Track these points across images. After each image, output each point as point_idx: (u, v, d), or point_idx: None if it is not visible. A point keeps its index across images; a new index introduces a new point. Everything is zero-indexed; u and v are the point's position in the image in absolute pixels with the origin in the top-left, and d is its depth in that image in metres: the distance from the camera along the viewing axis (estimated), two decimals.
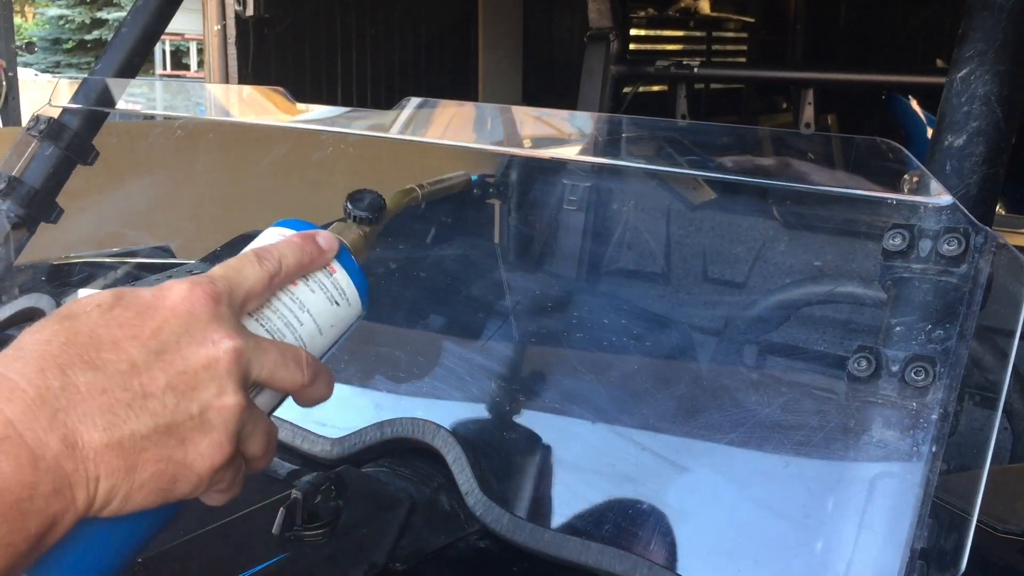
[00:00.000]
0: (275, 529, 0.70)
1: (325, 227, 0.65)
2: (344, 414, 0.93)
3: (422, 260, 1.37)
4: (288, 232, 0.62)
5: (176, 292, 0.52)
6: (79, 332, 0.49)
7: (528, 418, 0.93)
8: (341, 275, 0.62)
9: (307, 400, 0.58)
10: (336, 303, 0.61)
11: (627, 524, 0.73)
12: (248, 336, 0.53)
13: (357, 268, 0.63)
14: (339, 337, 0.62)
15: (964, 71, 0.71)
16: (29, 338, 0.49)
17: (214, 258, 1.32)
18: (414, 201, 0.80)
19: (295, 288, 0.59)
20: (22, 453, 0.44)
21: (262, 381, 0.54)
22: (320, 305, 0.60)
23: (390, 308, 1.20)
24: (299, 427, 0.83)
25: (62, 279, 1.30)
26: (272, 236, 0.62)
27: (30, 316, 1.13)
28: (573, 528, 0.75)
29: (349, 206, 0.68)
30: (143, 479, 0.48)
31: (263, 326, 0.57)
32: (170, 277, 1.29)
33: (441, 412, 0.91)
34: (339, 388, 0.99)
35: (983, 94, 0.70)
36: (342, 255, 0.62)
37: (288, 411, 0.87)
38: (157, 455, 0.48)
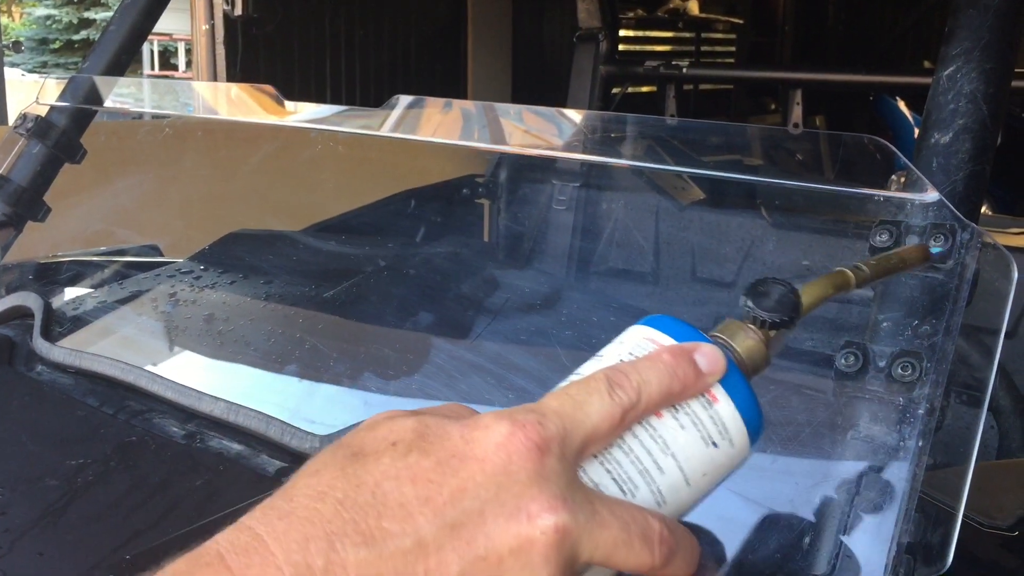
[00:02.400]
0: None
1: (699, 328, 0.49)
2: (333, 411, 0.93)
3: (411, 258, 1.38)
4: (659, 338, 0.47)
5: (491, 436, 0.39)
6: (362, 485, 0.38)
7: None
8: (725, 406, 0.45)
9: None
10: (713, 444, 0.44)
11: None
12: (581, 503, 0.39)
13: (749, 395, 0.46)
14: (712, 488, 0.46)
15: (951, 69, 0.72)
16: (303, 483, 0.39)
17: (202, 257, 1.32)
18: (845, 288, 0.55)
19: (658, 421, 0.44)
20: None
21: (595, 563, 0.40)
22: (690, 447, 0.44)
23: (379, 305, 1.20)
24: (288, 424, 0.83)
25: (50, 278, 1.29)
26: (635, 340, 0.47)
27: (17, 315, 1.12)
28: None
29: (749, 304, 0.49)
30: None
31: (610, 473, 0.43)
32: (158, 276, 1.29)
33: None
34: (328, 386, 1.00)
35: (969, 92, 0.71)
36: (729, 376, 0.45)
37: (275, 408, 0.88)
38: None
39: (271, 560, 0.36)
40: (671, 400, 0.44)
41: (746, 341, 0.48)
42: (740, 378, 0.46)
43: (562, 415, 0.41)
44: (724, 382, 0.45)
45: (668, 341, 0.46)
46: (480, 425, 0.40)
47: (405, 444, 0.40)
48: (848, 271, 0.55)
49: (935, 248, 0.64)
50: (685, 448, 0.44)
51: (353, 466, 0.39)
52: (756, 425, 0.46)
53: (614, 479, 0.43)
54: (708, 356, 0.45)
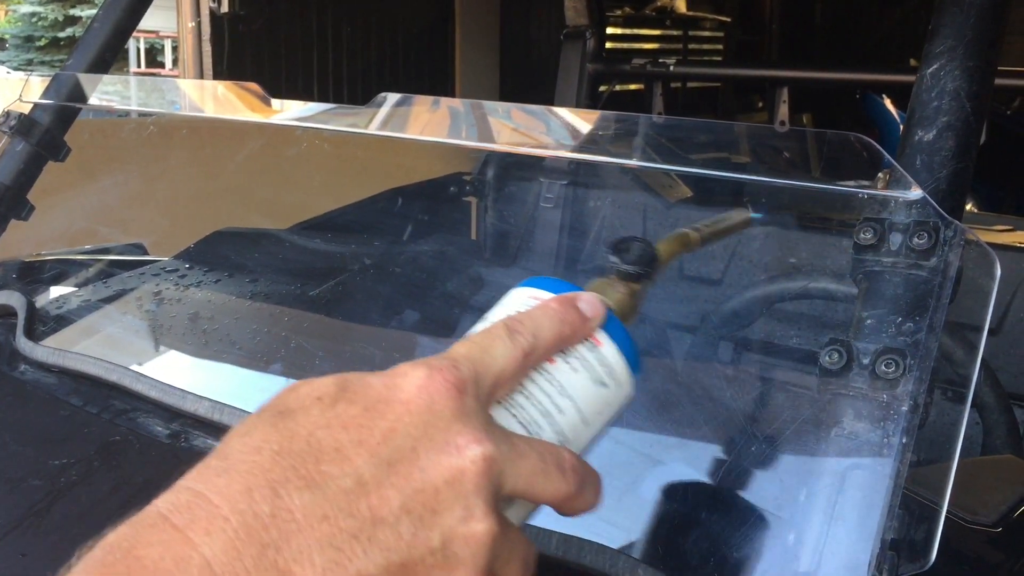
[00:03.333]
0: None
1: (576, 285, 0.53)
2: None
3: (398, 257, 1.37)
4: (540, 294, 0.50)
5: (411, 381, 0.41)
6: (295, 436, 0.39)
7: None
8: (608, 348, 0.49)
9: (571, 511, 0.46)
10: (603, 383, 0.48)
11: (601, 518, 0.74)
12: (500, 437, 0.42)
13: (626, 337, 0.50)
14: (605, 426, 0.50)
15: (934, 66, 0.72)
16: (236, 443, 0.40)
17: (187, 255, 1.32)
18: (688, 247, 0.64)
19: (552, 367, 0.47)
20: None
21: (517, 494, 0.43)
22: (584, 387, 0.48)
23: (365, 304, 1.20)
24: None
25: (33, 276, 1.29)
26: (520, 300, 0.50)
27: (1, 313, 1.12)
28: (550, 523, 0.75)
29: (613, 258, 0.55)
30: None
31: (516, 417, 0.46)
32: (142, 274, 1.29)
33: None
34: None
35: (953, 89, 0.71)
36: (609, 323, 0.50)
37: (259, 405, 0.87)
38: None
39: (216, 512, 0.37)
40: (562, 344, 0.48)
41: (616, 294, 0.54)
42: (618, 324, 0.50)
43: (472, 359, 0.44)
44: (605, 328, 0.49)
45: (550, 296, 0.50)
46: (399, 373, 0.42)
47: (330, 397, 0.41)
48: (691, 232, 0.64)
49: (756, 215, 0.68)
50: (579, 389, 0.48)
51: (284, 421, 0.40)
52: (636, 365, 0.50)
53: (520, 422, 0.46)
54: (589, 303, 0.49)
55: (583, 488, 0.45)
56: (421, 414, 0.41)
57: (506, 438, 0.43)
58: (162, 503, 0.38)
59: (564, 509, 0.46)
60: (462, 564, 0.40)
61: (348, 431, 0.40)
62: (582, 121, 1.02)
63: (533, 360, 0.46)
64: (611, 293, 0.54)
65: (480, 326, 0.49)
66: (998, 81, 0.78)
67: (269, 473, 0.38)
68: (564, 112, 1.08)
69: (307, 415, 0.40)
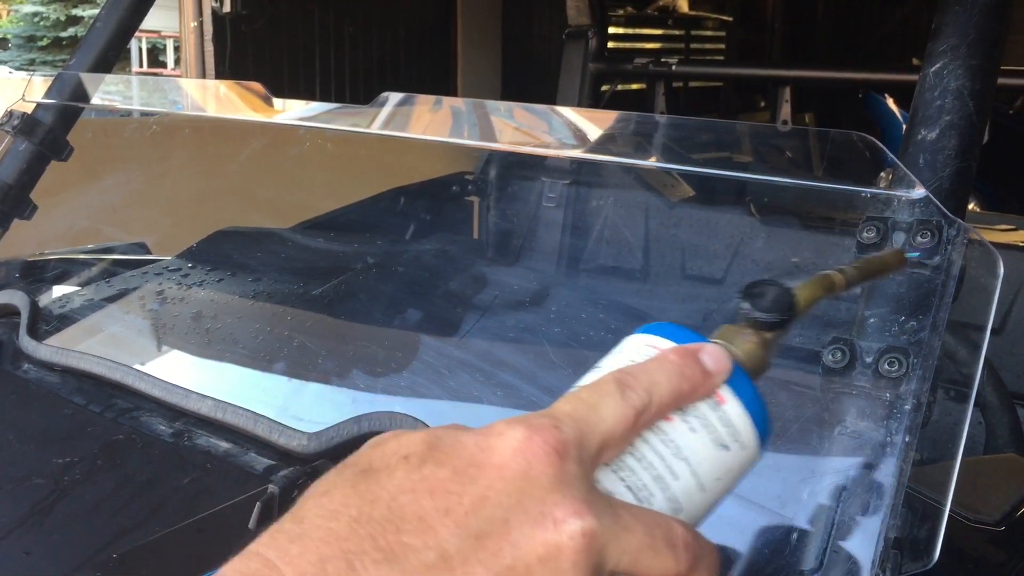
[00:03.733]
0: (252, 524, 0.69)
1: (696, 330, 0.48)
2: (321, 408, 0.93)
3: (400, 256, 1.37)
4: (659, 343, 0.46)
5: (507, 442, 0.38)
6: (376, 500, 0.36)
7: (506, 412, 0.93)
8: (732, 406, 0.44)
9: None
10: (725, 446, 0.44)
11: None
12: (604, 508, 0.38)
13: (755, 394, 0.45)
14: (724, 494, 0.45)
15: (937, 65, 0.72)
16: (313, 504, 0.37)
17: (190, 254, 1.32)
18: (834, 291, 0.56)
19: (668, 426, 0.43)
20: None
21: (621, 571, 0.39)
22: (703, 450, 0.43)
23: (368, 303, 1.20)
24: (276, 422, 0.83)
25: (36, 276, 1.29)
26: (636, 348, 0.46)
27: (3, 313, 1.12)
28: None
29: (746, 306, 0.49)
30: None
31: (624, 482, 0.42)
32: (145, 274, 1.29)
33: (418, 406, 0.91)
34: (316, 383, 0.99)
35: (956, 88, 0.71)
36: (735, 377, 0.45)
37: (263, 405, 0.87)
38: None
39: None
40: (681, 401, 0.43)
41: (745, 344, 0.48)
42: (745, 379, 0.45)
43: (576, 419, 0.40)
44: (730, 383, 0.44)
45: (669, 346, 0.45)
46: (494, 432, 0.39)
47: (418, 456, 0.38)
48: (835, 274, 0.56)
49: (912, 253, 0.65)
50: (697, 452, 0.43)
51: (365, 482, 0.37)
52: (765, 426, 0.45)
53: (628, 487, 0.42)
54: (713, 356, 0.44)
55: (697, 566, 0.40)
56: (516, 481, 0.37)
57: (610, 509, 0.39)
58: (230, 571, 0.36)
59: None
60: None
61: (434, 497, 0.37)
62: (584, 120, 1.02)
63: (646, 419, 0.42)
64: (740, 343, 0.48)
65: (591, 376, 0.45)
66: (1000, 80, 0.78)
67: (345, 543, 0.35)
68: (566, 111, 1.08)
69: (391, 476, 0.37)
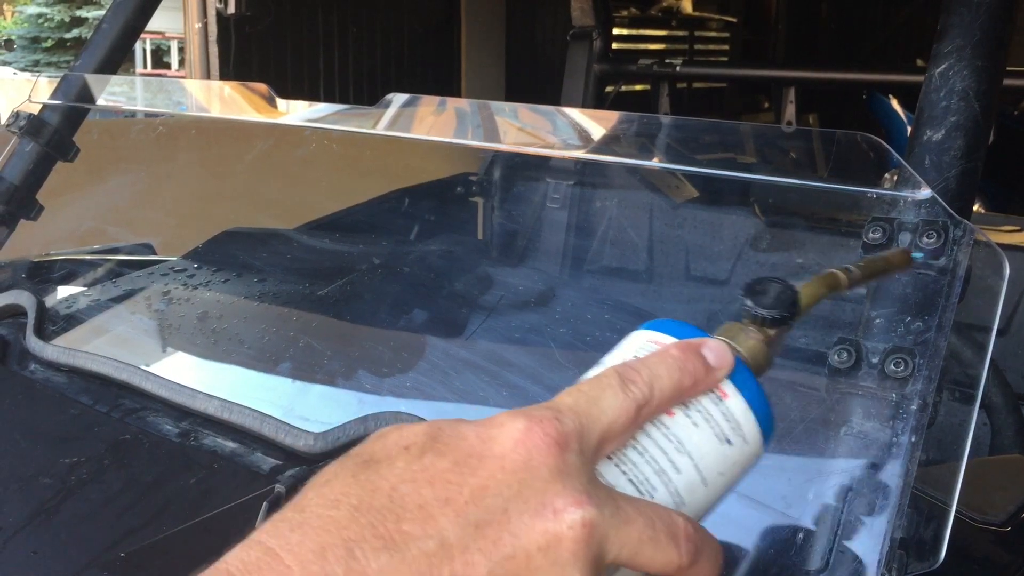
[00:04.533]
0: (258, 524, 0.69)
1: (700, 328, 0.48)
2: (327, 408, 0.93)
3: (405, 256, 1.37)
4: (661, 339, 0.46)
5: (508, 433, 0.38)
6: (377, 490, 0.37)
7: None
8: (735, 401, 0.44)
9: None
10: (727, 440, 0.44)
11: None
12: (604, 499, 0.38)
13: (757, 389, 0.45)
14: (727, 488, 0.45)
15: (943, 66, 0.72)
16: (314, 494, 0.38)
17: (196, 255, 1.32)
18: (838, 289, 0.56)
19: (671, 420, 0.43)
20: None
21: (622, 563, 0.39)
22: (705, 444, 0.43)
23: (373, 303, 1.20)
24: (282, 422, 0.83)
25: (43, 276, 1.29)
26: (638, 344, 0.46)
27: (10, 313, 1.12)
28: None
29: (749, 303, 0.49)
30: None
31: (626, 475, 0.42)
32: (151, 274, 1.29)
33: (424, 406, 0.91)
34: (322, 384, 0.99)
35: (961, 89, 0.71)
36: (737, 373, 0.45)
37: (270, 405, 0.88)
38: None
39: (287, 573, 0.35)
40: (683, 396, 0.43)
41: (748, 341, 0.48)
42: (748, 374, 0.45)
43: (578, 411, 0.40)
44: (733, 378, 0.45)
45: (672, 341, 0.46)
46: (495, 424, 0.39)
47: (419, 447, 0.38)
48: (839, 272, 0.56)
49: (917, 254, 0.65)
50: (700, 446, 0.43)
51: (366, 472, 0.38)
52: (768, 421, 0.45)
53: (630, 480, 0.42)
54: (715, 351, 0.44)
55: (698, 558, 0.40)
56: (516, 471, 0.37)
57: (611, 500, 0.39)
58: (233, 560, 0.36)
59: None
60: None
61: (434, 487, 0.37)
62: (588, 121, 1.02)
63: (648, 413, 0.42)
64: (743, 340, 0.48)
65: (593, 371, 0.45)
66: (1005, 81, 0.78)
67: (345, 531, 0.36)
68: (570, 112, 1.09)
69: (392, 467, 0.38)
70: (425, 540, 0.36)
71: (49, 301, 1.18)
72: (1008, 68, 0.78)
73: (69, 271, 1.33)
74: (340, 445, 0.80)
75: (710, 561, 0.41)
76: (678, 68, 2.51)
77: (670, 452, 0.42)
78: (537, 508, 0.37)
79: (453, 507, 0.36)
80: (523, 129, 1.08)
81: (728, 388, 0.44)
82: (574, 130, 1.02)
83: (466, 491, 0.37)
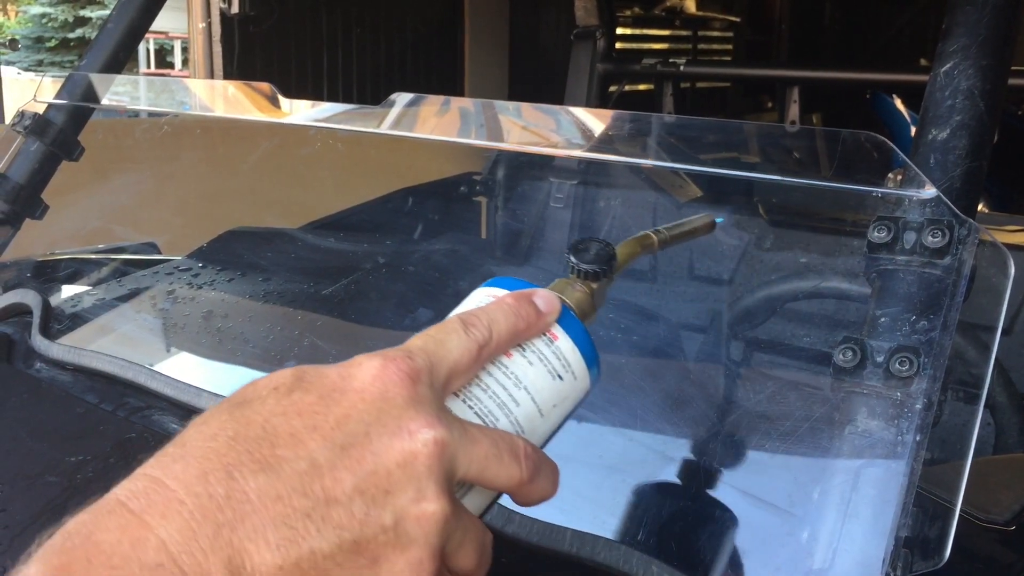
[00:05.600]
0: None
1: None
2: None
3: (410, 255, 1.38)
4: (498, 292, 0.52)
5: (366, 371, 0.43)
6: (251, 423, 0.41)
7: None
8: (564, 342, 0.51)
9: (526, 499, 0.47)
10: (559, 376, 0.50)
11: (615, 514, 0.74)
12: (453, 423, 0.44)
13: (583, 333, 0.52)
14: (563, 419, 0.52)
15: (948, 65, 0.72)
16: (193, 431, 0.41)
17: (201, 254, 1.32)
18: (650, 249, 0.65)
19: (509, 360, 0.49)
20: None
21: (471, 479, 0.44)
22: (540, 380, 0.49)
23: (378, 303, 1.21)
24: None
25: (48, 275, 1.30)
26: (479, 298, 0.53)
27: (16, 312, 1.12)
28: (562, 519, 0.76)
29: (572, 259, 0.56)
30: None
31: (471, 408, 0.47)
32: (156, 273, 1.29)
33: None
34: None
35: (966, 88, 0.71)
36: (565, 318, 0.52)
37: None
38: None
39: (172, 496, 0.38)
40: (518, 338, 0.49)
41: (574, 293, 0.55)
42: (575, 320, 0.52)
43: (427, 351, 0.45)
44: (561, 323, 0.51)
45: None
46: (354, 364, 0.44)
47: (287, 386, 0.43)
48: (652, 234, 0.65)
49: (719, 218, 0.70)
50: (535, 381, 0.49)
51: (240, 410, 0.42)
52: (593, 360, 0.52)
53: (476, 413, 0.47)
54: (545, 299, 0.51)
55: (538, 475, 0.46)
56: (375, 401, 0.42)
57: (459, 425, 0.44)
58: (120, 491, 0.39)
59: (520, 496, 0.47)
60: (414, 543, 0.41)
61: (303, 417, 0.41)
62: (592, 121, 1.02)
63: (488, 353, 0.48)
64: (569, 292, 0.55)
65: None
66: (1011, 80, 0.78)
67: (224, 457, 0.39)
68: (574, 112, 1.09)
69: (263, 404, 0.42)
70: (297, 461, 0.40)
71: (54, 300, 1.18)
72: (1013, 67, 0.78)
73: (74, 270, 1.33)
74: None
75: (547, 479, 0.47)
76: (682, 68, 2.51)
77: (509, 388, 0.48)
78: (394, 430, 0.41)
79: (320, 433, 0.41)
80: (527, 128, 1.08)
81: (558, 331, 0.51)
82: (578, 129, 1.02)
83: (331, 419, 0.41)
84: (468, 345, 0.46)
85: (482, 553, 0.45)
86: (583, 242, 0.57)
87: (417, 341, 0.46)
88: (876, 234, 0.67)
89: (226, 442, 0.40)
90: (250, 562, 0.38)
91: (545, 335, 0.50)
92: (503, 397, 0.48)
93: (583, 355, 0.51)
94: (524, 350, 0.50)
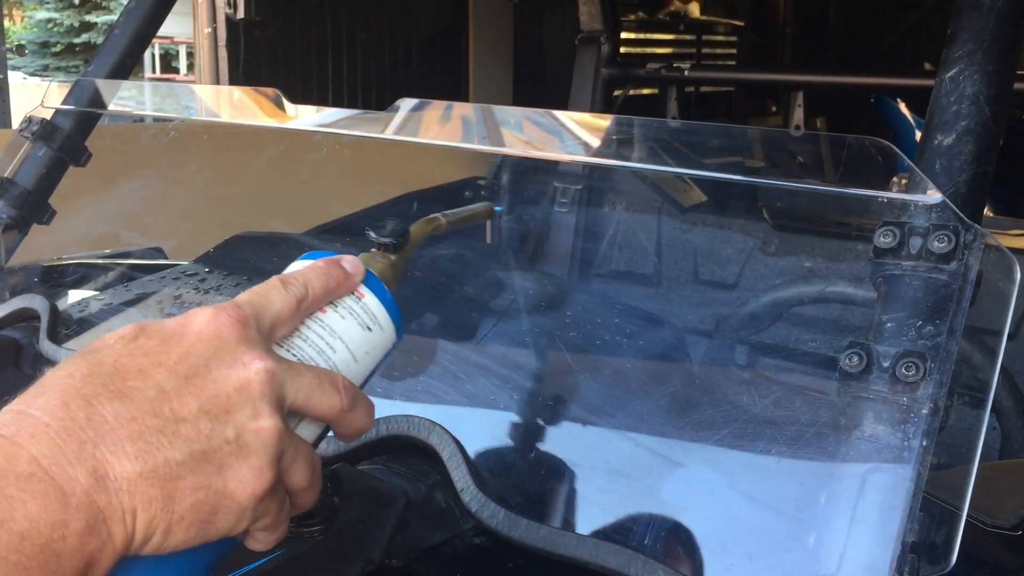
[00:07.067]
0: None
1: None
2: None
3: (416, 260, 1.38)
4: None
5: (201, 318, 0.50)
6: (102, 363, 0.47)
7: (522, 415, 0.93)
8: (371, 300, 0.59)
9: (347, 428, 0.55)
10: (368, 328, 0.59)
11: (621, 519, 0.74)
12: (280, 359, 0.51)
13: (386, 293, 0.61)
14: (376, 365, 0.60)
15: (953, 71, 0.72)
16: (51, 375, 0.47)
17: (207, 259, 1.33)
18: (437, 229, 0.76)
19: (324, 315, 0.57)
20: (49, 491, 0.42)
21: (298, 406, 0.52)
22: (352, 331, 0.58)
23: None
24: None
25: (55, 280, 1.30)
26: (296, 267, 0.60)
27: (23, 317, 1.13)
28: (568, 524, 0.76)
29: (372, 234, 0.66)
30: (182, 510, 0.46)
31: (294, 355, 0.55)
32: (163, 278, 1.30)
33: (436, 410, 0.92)
34: None
35: (972, 93, 0.71)
36: (370, 280, 0.60)
37: None
38: (195, 483, 0.46)
39: (38, 421, 0.44)
40: (330, 295, 0.57)
41: (376, 263, 0.64)
42: (379, 283, 0.61)
43: (252, 303, 0.53)
44: (368, 285, 0.59)
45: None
46: (190, 314, 0.51)
47: (131, 335, 0.49)
48: (440, 217, 0.76)
49: (498, 207, 0.74)
50: (347, 332, 0.58)
51: (91, 355, 0.48)
52: (397, 316, 0.61)
53: (298, 359, 0.55)
54: (351, 262, 0.59)
55: (355, 406, 0.54)
56: (211, 340, 0.49)
57: (286, 360, 0.51)
58: None
59: (341, 426, 0.54)
60: (254, 453, 0.48)
61: (148, 356, 0.48)
62: (596, 125, 1.03)
63: (306, 307, 0.55)
64: (373, 262, 0.64)
65: None
66: (1017, 85, 0.78)
67: (81, 390, 0.45)
68: (579, 116, 1.09)
69: (112, 349, 0.48)
70: (147, 389, 0.46)
71: (62, 305, 1.18)
72: (1019, 72, 0.78)
73: (81, 275, 1.33)
74: (352, 448, 0.80)
75: (364, 411, 0.55)
76: (686, 72, 2.52)
77: (326, 337, 0.57)
78: (230, 362, 0.49)
79: (165, 367, 0.47)
80: (531, 133, 1.08)
81: (364, 291, 0.59)
82: (582, 134, 1.03)
83: (174, 356, 0.48)
84: (287, 299, 0.54)
85: (313, 472, 0.52)
86: (382, 220, 0.67)
87: (244, 296, 0.53)
88: (882, 239, 0.67)
89: (82, 378, 0.46)
90: (112, 471, 0.44)
91: (353, 294, 0.59)
92: (321, 345, 0.56)
93: (388, 311, 0.60)
94: (336, 307, 0.58)
